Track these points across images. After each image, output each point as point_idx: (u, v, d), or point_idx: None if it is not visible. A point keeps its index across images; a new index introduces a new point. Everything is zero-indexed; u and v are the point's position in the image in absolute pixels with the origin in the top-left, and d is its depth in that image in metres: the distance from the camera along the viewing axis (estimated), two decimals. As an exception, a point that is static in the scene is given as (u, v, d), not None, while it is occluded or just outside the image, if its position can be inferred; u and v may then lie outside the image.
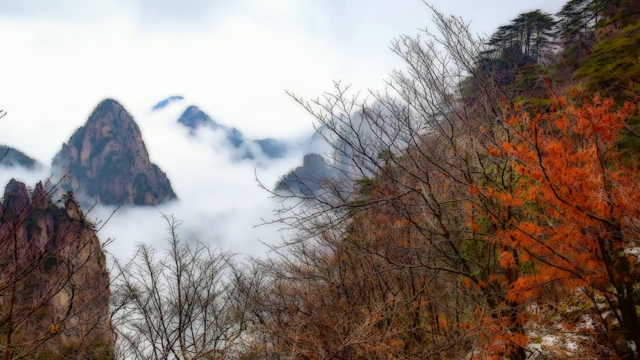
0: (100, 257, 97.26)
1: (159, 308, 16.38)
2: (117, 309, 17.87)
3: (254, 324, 17.45)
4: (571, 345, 11.41)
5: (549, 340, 12.07)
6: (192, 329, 17.41)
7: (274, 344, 15.45)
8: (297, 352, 8.89)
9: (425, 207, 11.51)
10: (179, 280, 16.94)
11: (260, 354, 13.81)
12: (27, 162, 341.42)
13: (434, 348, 10.61)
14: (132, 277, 16.49)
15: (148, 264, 16.52)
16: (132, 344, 15.83)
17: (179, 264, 16.96)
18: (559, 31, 70.13)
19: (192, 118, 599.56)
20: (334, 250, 17.92)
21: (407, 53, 10.84)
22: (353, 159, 10.62)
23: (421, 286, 14.81)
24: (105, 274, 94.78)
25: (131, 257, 11.84)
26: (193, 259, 17.36)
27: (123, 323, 17.61)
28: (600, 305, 11.74)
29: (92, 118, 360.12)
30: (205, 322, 17.24)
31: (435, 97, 11.14)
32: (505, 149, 9.36)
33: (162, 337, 15.80)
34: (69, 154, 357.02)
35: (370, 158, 10.49)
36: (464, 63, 10.98)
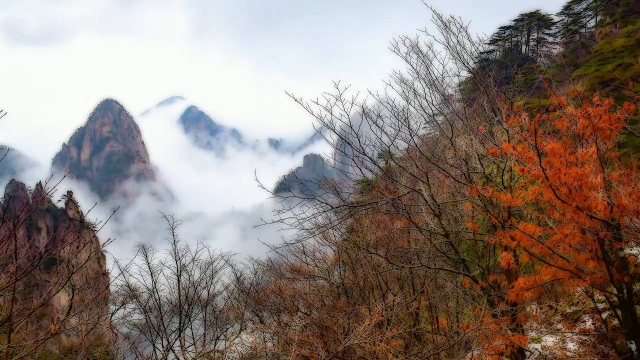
0: (100, 257, 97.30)
1: (159, 308, 16.40)
2: (117, 309, 17.89)
3: (254, 324, 17.45)
4: (571, 345, 11.41)
5: (549, 340, 12.07)
6: (192, 329, 17.43)
7: (274, 344, 15.45)
8: (297, 352, 8.89)
9: (425, 207, 11.50)
10: (179, 280, 16.95)
11: (260, 354, 13.80)
12: (27, 162, 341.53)
13: (434, 348, 10.60)
14: (132, 277, 16.52)
15: (148, 264, 16.55)
16: (132, 344, 15.82)
17: (179, 264, 16.99)
18: (559, 31, 70.07)
19: (192, 118, 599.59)
20: (333, 251, 17.93)
21: (406, 53, 10.84)
22: (353, 159, 10.61)
23: (421, 286, 14.80)
24: (105, 274, 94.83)
25: (131, 257, 11.87)
26: (193, 259, 17.39)
27: (123, 323, 17.63)
28: (600, 305, 11.73)
29: (92, 118, 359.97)
30: (205, 322, 17.26)
31: (434, 97, 11.15)
32: (505, 149, 9.36)
33: (162, 337, 15.82)
34: (69, 154, 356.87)
35: (370, 158, 10.48)
36: (464, 63, 10.99)
